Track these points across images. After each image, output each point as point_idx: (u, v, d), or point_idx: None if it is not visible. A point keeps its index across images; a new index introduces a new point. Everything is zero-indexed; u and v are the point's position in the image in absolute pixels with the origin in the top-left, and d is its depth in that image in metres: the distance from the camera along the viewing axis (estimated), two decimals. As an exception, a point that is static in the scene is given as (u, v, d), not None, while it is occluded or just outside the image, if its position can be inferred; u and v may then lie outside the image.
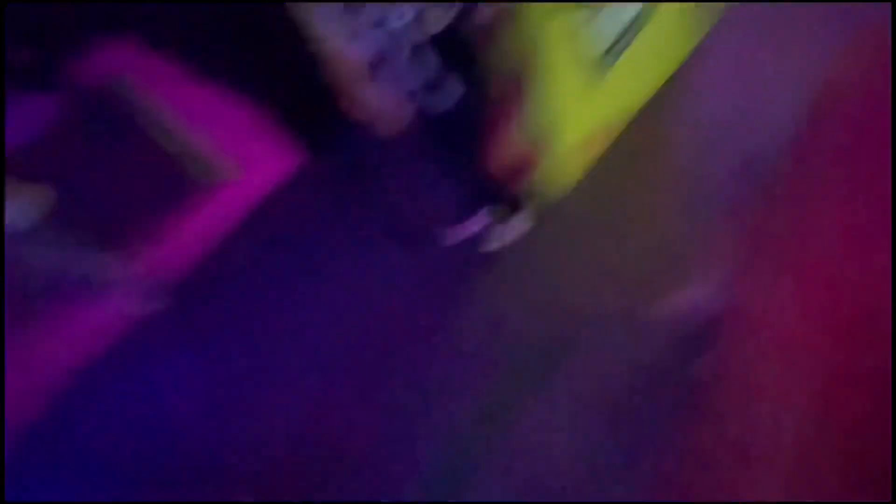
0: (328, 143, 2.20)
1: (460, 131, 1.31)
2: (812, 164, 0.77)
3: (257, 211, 2.06)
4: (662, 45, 1.87)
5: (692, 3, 1.83)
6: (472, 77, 1.16)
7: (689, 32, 1.96)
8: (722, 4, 1.97)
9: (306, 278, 1.82)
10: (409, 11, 0.96)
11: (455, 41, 1.06)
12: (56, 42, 1.86)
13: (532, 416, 1.36)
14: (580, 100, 1.65)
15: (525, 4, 1.20)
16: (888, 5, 0.44)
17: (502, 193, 1.62)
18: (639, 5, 1.67)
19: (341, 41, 1.09)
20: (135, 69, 1.91)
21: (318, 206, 2.03)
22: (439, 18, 0.99)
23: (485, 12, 1.07)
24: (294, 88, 2.05)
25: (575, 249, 1.60)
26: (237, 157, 2.13)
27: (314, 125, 2.17)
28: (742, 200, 1.24)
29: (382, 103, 1.23)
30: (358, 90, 1.20)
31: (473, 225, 1.70)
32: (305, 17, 1.22)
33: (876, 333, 0.59)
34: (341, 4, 1.02)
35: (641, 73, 1.87)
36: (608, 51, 1.65)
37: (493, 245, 1.68)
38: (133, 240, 1.96)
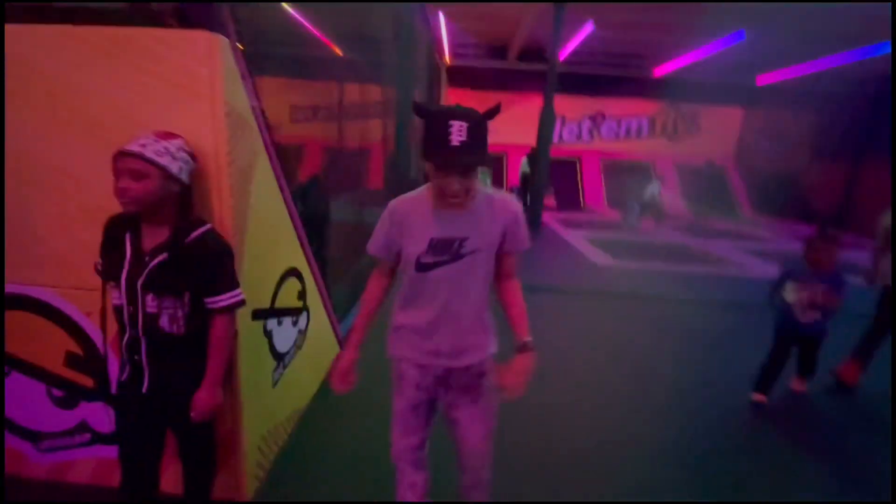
0: None
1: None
2: None
3: None
4: (318, 355, 2.54)
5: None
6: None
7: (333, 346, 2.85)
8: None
9: None
10: None
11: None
12: None
13: None
14: (262, 402, 1.87)
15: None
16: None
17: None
18: (303, 325, 2.29)
19: None
20: None
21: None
22: None
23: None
24: None
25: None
26: None
27: None
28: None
29: None
30: None
31: None
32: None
33: None
34: None
35: (305, 378, 2.38)
36: (280, 363, 2.05)
37: None
38: None
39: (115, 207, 1.29)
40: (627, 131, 13.07)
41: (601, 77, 11.94)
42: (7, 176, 1.53)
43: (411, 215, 1.29)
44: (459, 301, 1.30)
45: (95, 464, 1.79)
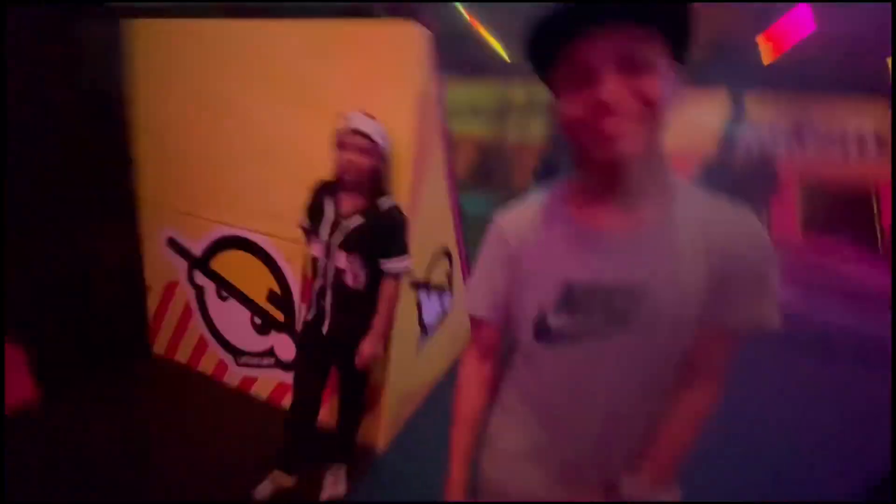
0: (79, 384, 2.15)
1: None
2: None
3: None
4: (454, 336, 2.58)
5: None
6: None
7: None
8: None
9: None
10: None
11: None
12: None
13: None
14: (405, 366, 2.01)
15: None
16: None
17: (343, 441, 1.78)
18: (446, 304, 2.38)
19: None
20: None
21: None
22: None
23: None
24: (50, 326, 2.06)
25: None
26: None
27: (70, 359, 2.17)
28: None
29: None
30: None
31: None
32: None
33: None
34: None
35: (441, 353, 2.44)
36: (424, 334, 2.18)
37: (324, 495, 1.72)
38: None
39: (320, 174, 1.53)
40: (843, 144, 10.58)
41: (808, 67, 9.74)
42: (243, 145, 1.93)
43: (532, 241, 0.72)
44: (620, 407, 0.71)
45: (275, 384, 2.18)
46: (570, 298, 0.67)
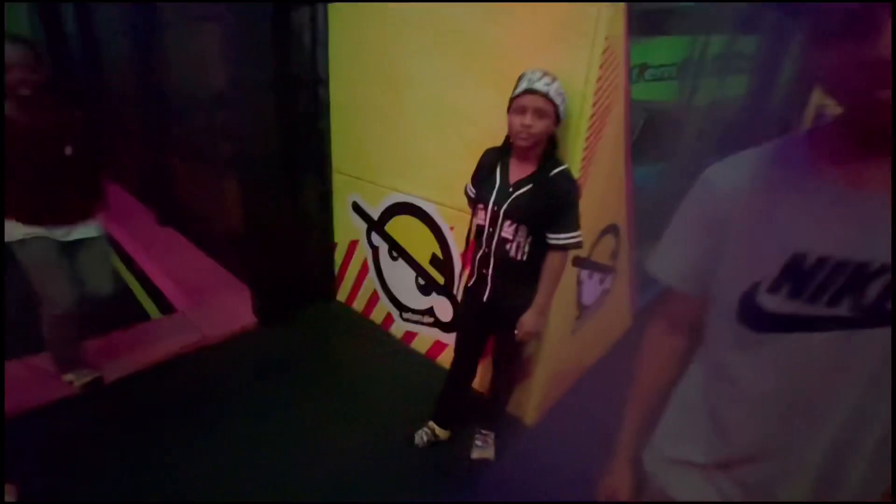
0: (283, 317, 2.62)
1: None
2: None
3: (191, 357, 2.32)
4: (610, 320, 2.50)
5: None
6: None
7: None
8: None
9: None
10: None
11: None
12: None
13: None
14: (559, 344, 1.95)
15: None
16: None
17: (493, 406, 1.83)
18: (607, 285, 2.26)
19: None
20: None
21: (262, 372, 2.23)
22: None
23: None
24: (272, 260, 2.52)
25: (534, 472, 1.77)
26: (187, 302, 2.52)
27: (278, 297, 2.61)
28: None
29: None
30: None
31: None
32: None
33: None
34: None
35: (595, 338, 2.36)
36: (582, 314, 2.09)
37: (473, 455, 1.82)
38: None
39: (488, 143, 1.52)
40: None
41: None
42: (419, 117, 2.03)
43: (750, 201, 0.58)
44: (856, 431, 0.54)
45: (433, 342, 2.34)
46: (799, 272, 0.52)
